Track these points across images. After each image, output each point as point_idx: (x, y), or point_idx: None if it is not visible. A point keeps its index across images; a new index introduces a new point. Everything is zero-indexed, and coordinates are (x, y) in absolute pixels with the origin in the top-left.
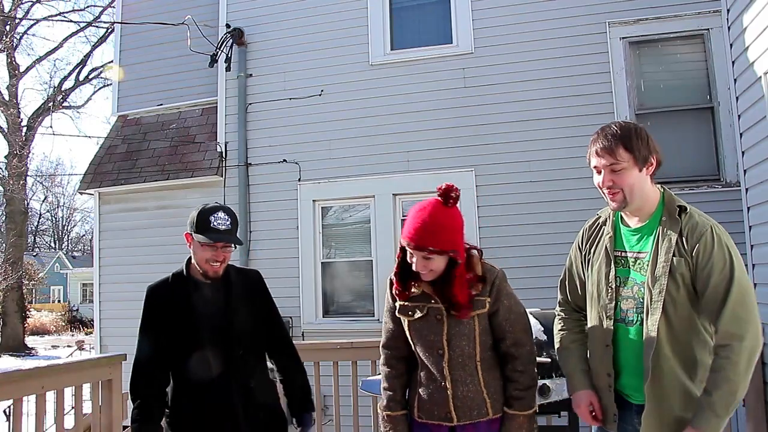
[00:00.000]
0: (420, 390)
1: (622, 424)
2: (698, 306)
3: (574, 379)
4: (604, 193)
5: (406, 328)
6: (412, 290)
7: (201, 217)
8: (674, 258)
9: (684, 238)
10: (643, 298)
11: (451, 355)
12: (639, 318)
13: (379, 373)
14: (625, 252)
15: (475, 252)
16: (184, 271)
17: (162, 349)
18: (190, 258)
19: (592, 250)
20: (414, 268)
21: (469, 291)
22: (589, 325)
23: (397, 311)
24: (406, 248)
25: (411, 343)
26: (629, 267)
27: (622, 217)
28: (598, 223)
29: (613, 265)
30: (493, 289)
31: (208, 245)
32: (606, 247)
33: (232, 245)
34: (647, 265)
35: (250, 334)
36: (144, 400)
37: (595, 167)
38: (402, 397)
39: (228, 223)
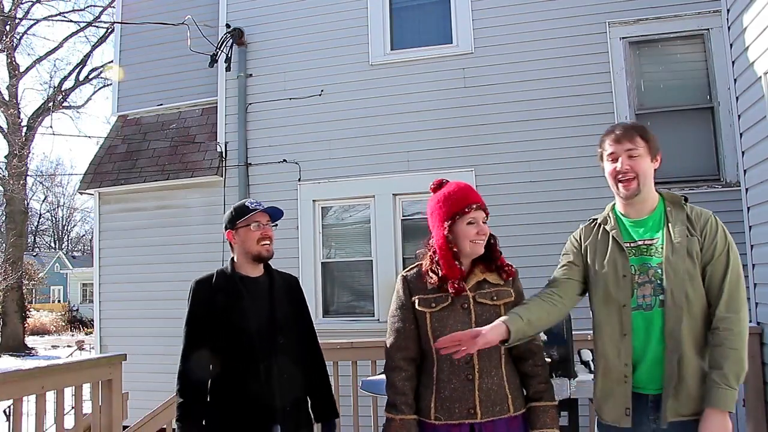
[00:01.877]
0: (439, 388)
1: (636, 419)
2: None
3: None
4: (616, 183)
5: (427, 322)
6: (428, 284)
7: (237, 207)
8: (688, 237)
9: (692, 222)
10: (661, 280)
11: None
12: (657, 301)
13: (380, 373)
14: (634, 242)
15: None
16: (228, 268)
17: (208, 341)
18: (232, 258)
19: (595, 248)
20: (481, 232)
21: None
22: (600, 321)
23: (417, 305)
24: (466, 220)
25: (430, 337)
26: (641, 254)
27: (622, 212)
28: (596, 224)
29: (626, 255)
30: (515, 282)
31: (256, 223)
32: (615, 239)
33: (274, 224)
34: (661, 248)
35: (290, 326)
36: (190, 400)
37: (611, 155)
38: (413, 400)
39: (262, 204)
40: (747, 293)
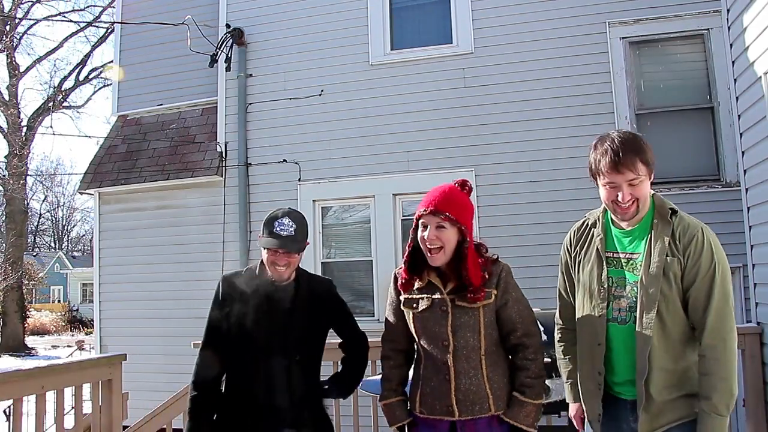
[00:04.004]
0: (422, 384)
1: (616, 423)
2: (683, 302)
3: (572, 391)
4: (614, 208)
5: (410, 321)
6: (416, 284)
7: (267, 222)
8: (667, 258)
9: (676, 239)
10: (635, 297)
11: (456, 347)
12: (632, 317)
13: (380, 374)
14: (617, 253)
15: (481, 245)
16: (257, 268)
17: (225, 339)
18: (263, 260)
19: (582, 252)
20: (425, 238)
21: (482, 273)
22: (578, 325)
23: (402, 304)
24: (419, 223)
25: (415, 336)
26: (622, 267)
27: (612, 219)
28: (587, 225)
29: (605, 266)
30: (500, 282)
31: (270, 250)
32: (597, 248)
33: (298, 254)
34: (640, 265)
35: (306, 341)
36: (201, 393)
37: (609, 183)
38: (398, 385)
39: (291, 229)
40: (747, 293)
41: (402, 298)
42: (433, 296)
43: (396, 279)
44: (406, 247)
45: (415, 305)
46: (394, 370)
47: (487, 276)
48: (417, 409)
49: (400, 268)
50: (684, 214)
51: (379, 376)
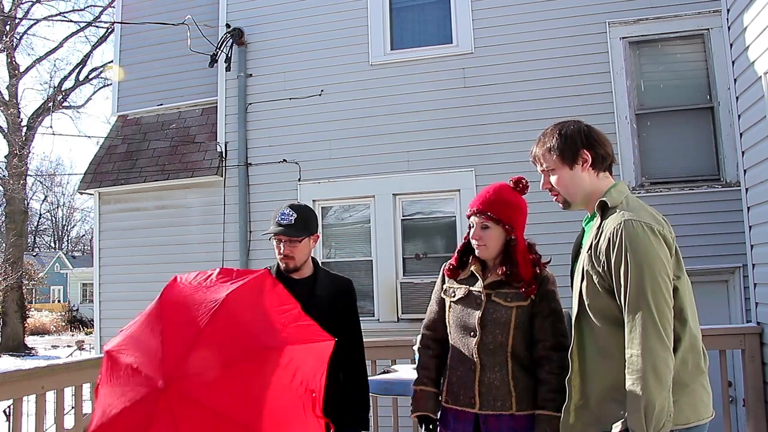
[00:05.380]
0: (450, 374)
1: None
2: (613, 303)
3: None
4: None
5: (447, 309)
6: (461, 274)
7: (274, 214)
8: (589, 254)
9: (599, 236)
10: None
11: (482, 339)
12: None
13: (380, 373)
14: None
15: (533, 245)
16: (275, 267)
17: None
18: None
19: None
20: (470, 236)
21: (533, 269)
22: None
23: (443, 293)
24: (469, 220)
25: (447, 324)
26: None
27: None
28: None
29: (573, 263)
30: (541, 289)
31: (276, 240)
32: (574, 243)
33: (299, 241)
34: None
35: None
36: None
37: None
38: (436, 375)
39: (291, 218)
40: (747, 293)
41: (445, 286)
42: (471, 288)
43: (443, 270)
44: (463, 239)
45: (453, 294)
46: (432, 359)
47: (538, 271)
48: (444, 398)
49: (452, 257)
50: (617, 209)
51: (379, 376)
